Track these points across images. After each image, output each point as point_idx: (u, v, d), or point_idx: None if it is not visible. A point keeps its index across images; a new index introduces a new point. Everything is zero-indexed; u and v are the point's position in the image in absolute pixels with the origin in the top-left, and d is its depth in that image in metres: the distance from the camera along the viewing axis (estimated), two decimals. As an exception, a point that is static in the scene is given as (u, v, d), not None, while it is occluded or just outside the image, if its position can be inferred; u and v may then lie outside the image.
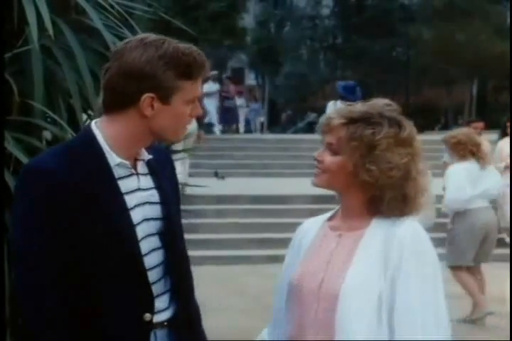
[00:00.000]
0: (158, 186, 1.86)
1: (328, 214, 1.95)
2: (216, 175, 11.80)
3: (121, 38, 2.86)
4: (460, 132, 5.84)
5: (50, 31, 2.46)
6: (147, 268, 1.79)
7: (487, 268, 6.06)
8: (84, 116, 2.82)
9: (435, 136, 17.94)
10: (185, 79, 1.77)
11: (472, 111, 28.81)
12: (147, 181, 1.85)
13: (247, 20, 30.23)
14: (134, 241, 1.77)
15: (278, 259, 2.06)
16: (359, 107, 1.84)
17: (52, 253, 1.72)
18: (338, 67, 32.21)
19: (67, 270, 1.73)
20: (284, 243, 2.03)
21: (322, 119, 1.87)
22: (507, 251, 7.14)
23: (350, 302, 1.74)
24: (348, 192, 1.85)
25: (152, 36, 1.80)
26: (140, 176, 1.84)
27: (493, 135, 10.31)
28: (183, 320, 1.87)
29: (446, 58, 25.91)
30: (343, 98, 10.34)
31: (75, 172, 1.73)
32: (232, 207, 9.68)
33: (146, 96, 1.75)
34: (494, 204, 6.54)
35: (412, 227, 1.80)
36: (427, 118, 28.82)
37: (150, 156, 1.86)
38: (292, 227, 2.11)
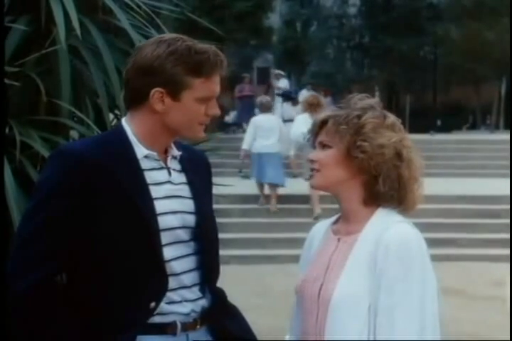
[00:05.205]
0: (190, 182, 1.89)
1: (335, 217, 1.92)
2: (240, 173, 11.83)
3: (147, 38, 2.87)
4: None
5: (78, 31, 2.48)
6: (169, 258, 1.80)
7: None
8: (111, 116, 2.83)
9: (463, 136, 17.76)
10: (194, 76, 1.77)
11: (501, 111, 28.46)
12: (180, 177, 1.88)
13: (274, 19, 30.19)
14: (155, 232, 1.77)
15: (304, 259, 2.04)
16: (342, 105, 1.85)
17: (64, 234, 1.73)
18: (364, 66, 32.00)
19: (82, 252, 1.74)
20: (310, 243, 2.02)
21: (311, 126, 1.88)
22: None
23: (340, 310, 1.71)
24: (343, 188, 1.81)
25: (171, 35, 1.82)
26: (172, 171, 1.86)
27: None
28: (218, 310, 1.88)
29: (474, 57, 25.62)
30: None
31: (101, 155, 1.76)
32: (258, 206, 9.68)
33: (155, 91, 1.77)
34: None
35: (400, 231, 1.74)
36: (455, 118, 28.54)
37: (179, 152, 1.88)
38: (318, 227, 2.09)
